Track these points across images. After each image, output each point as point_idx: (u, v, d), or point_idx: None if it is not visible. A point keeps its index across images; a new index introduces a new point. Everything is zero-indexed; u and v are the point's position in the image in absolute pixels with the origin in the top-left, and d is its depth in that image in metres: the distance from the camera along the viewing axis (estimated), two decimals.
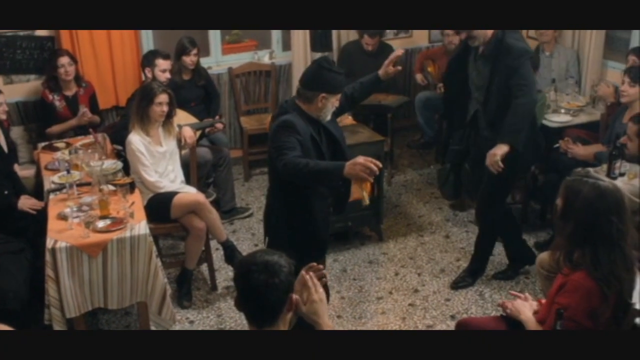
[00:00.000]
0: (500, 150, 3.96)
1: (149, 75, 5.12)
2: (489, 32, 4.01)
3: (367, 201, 3.39)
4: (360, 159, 3.05)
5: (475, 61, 4.18)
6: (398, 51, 3.68)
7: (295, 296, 2.32)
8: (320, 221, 3.49)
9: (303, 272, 2.44)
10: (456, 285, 4.54)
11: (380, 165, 3.10)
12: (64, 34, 5.43)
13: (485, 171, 4.11)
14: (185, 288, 4.43)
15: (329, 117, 3.39)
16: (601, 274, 2.66)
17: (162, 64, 5.12)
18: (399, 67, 3.67)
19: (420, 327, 4.12)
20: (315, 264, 2.60)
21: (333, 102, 3.34)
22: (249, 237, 5.23)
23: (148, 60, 5.17)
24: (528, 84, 3.99)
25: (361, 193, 3.33)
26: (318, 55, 4.65)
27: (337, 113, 3.55)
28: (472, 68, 4.22)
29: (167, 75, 5.14)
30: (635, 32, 5.26)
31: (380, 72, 3.66)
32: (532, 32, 6.01)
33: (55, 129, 5.20)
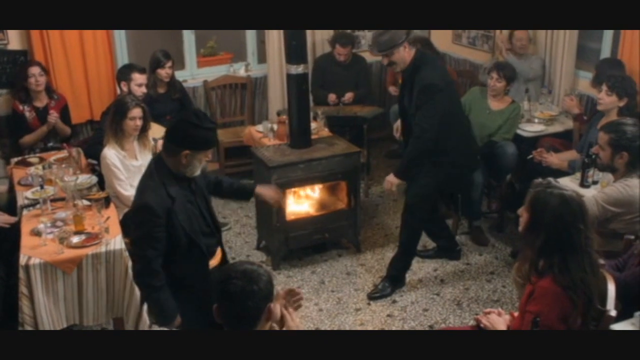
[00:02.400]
0: (391, 177, 4.35)
1: (125, 89, 5.09)
2: (408, 59, 4.16)
3: None
4: None
5: (404, 87, 4.35)
6: (279, 201, 3.75)
7: (272, 305, 2.33)
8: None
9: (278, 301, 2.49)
10: (372, 295, 4.55)
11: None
12: (37, 47, 5.39)
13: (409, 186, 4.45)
14: None
15: (196, 173, 3.15)
16: (568, 280, 2.69)
17: (138, 78, 5.09)
18: (275, 201, 3.72)
19: None
20: (293, 289, 2.64)
21: (200, 159, 3.10)
22: (225, 251, 5.18)
23: (124, 74, 5.14)
24: (424, 124, 4.12)
25: None
26: (294, 67, 4.65)
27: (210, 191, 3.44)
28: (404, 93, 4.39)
29: (143, 89, 5.11)
30: (605, 42, 5.35)
31: (259, 189, 3.64)
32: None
33: (27, 138, 5.18)
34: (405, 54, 4.15)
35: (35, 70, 5.15)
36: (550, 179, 2.90)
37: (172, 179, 3.08)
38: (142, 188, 3.11)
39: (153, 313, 3.26)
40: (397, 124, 4.73)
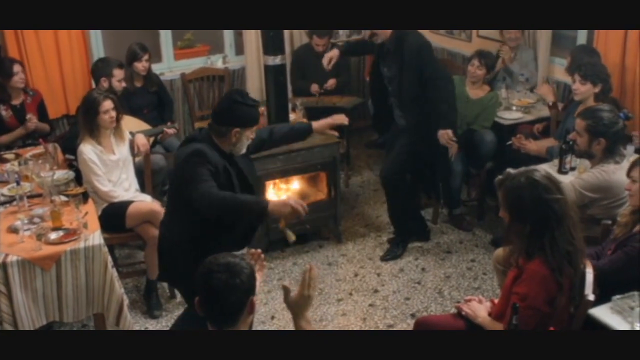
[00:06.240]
0: (443, 132, 4.54)
1: (105, 85, 4.99)
2: (389, 31, 4.40)
3: (293, 237, 3.38)
4: (292, 202, 3.11)
5: (384, 58, 4.62)
6: (344, 120, 3.84)
7: (255, 298, 2.33)
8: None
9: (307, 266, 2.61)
10: (384, 257, 4.86)
11: (306, 210, 3.15)
12: (10, 41, 5.32)
13: (400, 143, 4.69)
14: (154, 298, 4.36)
15: (243, 151, 3.33)
16: (558, 259, 2.73)
17: (119, 73, 5.05)
18: (336, 133, 3.93)
19: (381, 327, 4.14)
20: (254, 250, 2.78)
21: (248, 135, 3.28)
22: None
23: (103, 69, 5.04)
24: (439, 75, 4.48)
25: (285, 231, 3.36)
26: (271, 58, 4.63)
27: (254, 149, 3.56)
28: (382, 65, 4.66)
29: (123, 84, 5.11)
30: (581, 30, 5.37)
31: (316, 125, 3.78)
32: (494, 33, 6.02)
33: (3, 139, 5.05)
34: None
35: (18, 67, 5.05)
36: (509, 170, 2.92)
37: (219, 152, 3.23)
38: (189, 141, 3.27)
39: (238, 214, 3.25)
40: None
